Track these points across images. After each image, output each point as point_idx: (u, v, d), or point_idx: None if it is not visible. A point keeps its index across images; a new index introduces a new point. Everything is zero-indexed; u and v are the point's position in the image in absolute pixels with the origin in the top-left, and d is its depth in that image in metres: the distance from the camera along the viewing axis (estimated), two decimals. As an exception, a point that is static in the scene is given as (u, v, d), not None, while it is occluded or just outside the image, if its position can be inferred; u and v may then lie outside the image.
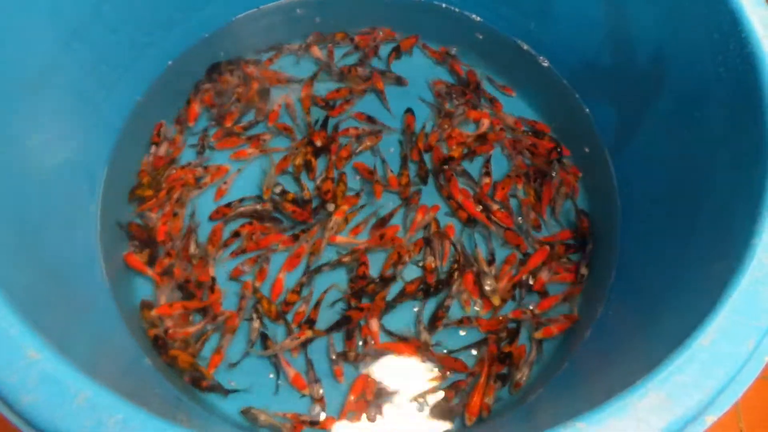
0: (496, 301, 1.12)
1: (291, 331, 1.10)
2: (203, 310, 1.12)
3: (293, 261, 1.16)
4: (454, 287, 1.14)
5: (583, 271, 1.16)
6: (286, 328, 1.11)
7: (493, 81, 1.35)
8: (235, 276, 1.16)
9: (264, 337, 1.10)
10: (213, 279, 1.13)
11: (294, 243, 1.18)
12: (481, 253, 1.18)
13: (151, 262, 1.15)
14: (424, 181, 1.26)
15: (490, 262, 1.17)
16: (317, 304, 1.13)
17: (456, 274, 1.15)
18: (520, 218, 1.23)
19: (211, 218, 1.21)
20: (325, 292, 1.13)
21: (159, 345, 1.07)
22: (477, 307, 1.14)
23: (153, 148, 1.27)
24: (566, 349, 1.10)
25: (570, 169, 1.28)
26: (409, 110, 1.34)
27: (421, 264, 1.17)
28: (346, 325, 1.10)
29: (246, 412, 1.03)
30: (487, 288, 1.12)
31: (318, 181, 1.24)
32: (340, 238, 1.19)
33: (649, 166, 1.15)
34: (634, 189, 1.19)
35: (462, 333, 1.12)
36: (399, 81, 1.37)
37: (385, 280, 1.15)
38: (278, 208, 1.21)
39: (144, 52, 1.25)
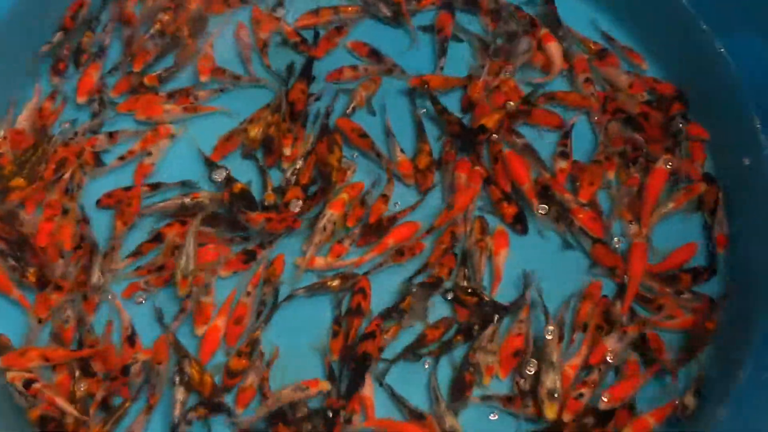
0: (550, 412, 1.00)
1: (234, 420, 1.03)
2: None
3: (234, 330, 1.05)
4: (485, 336, 1.05)
5: (689, 402, 1.04)
6: (226, 416, 1.03)
7: (613, 39, 1.27)
8: (129, 295, 1.07)
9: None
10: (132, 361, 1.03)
11: (247, 266, 1.07)
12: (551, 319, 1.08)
13: (41, 285, 1.05)
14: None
15: (561, 335, 1.05)
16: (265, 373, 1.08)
17: (497, 317, 1.06)
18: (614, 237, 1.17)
19: (99, 205, 1.10)
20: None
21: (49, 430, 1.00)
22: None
23: (58, 36, 1.16)
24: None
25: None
26: (446, 6, 1.23)
27: (451, 296, 1.11)
28: (367, 370, 1.03)
29: None
30: (547, 388, 1.01)
31: (287, 174, 1.13)
32: (320, 260, 1.08)
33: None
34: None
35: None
36: (473, 1, 1.24)
37: (429, 287, 1.07)
38: (228, 207, 1.10)
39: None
